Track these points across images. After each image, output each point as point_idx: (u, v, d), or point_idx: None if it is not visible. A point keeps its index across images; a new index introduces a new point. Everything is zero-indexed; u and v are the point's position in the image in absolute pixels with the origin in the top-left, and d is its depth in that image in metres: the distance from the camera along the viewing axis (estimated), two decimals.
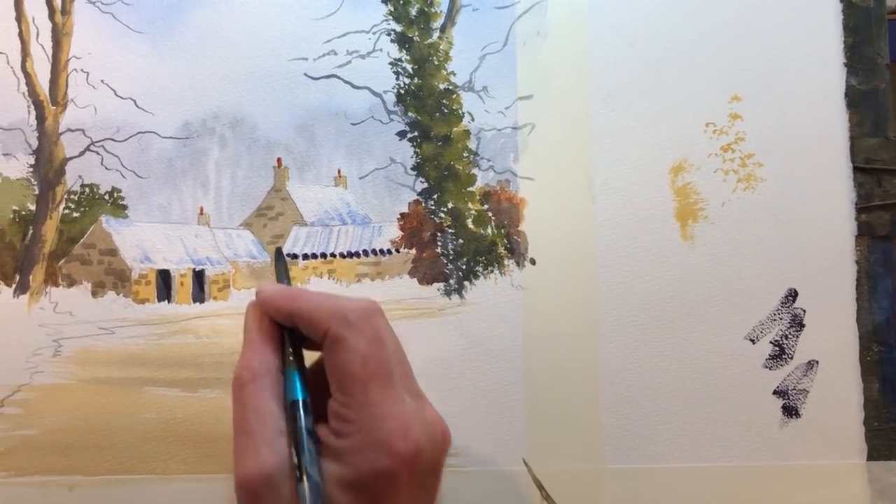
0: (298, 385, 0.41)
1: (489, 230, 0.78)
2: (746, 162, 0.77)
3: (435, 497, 0.40)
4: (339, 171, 0.79)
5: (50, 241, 0.78)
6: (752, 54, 0.78)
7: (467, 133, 0.79)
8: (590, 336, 0.76)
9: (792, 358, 0.76)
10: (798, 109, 0.78)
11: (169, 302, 0.78)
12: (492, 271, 0.77)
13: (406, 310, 0.77)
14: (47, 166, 0.78)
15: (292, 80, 0.78)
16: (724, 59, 0.78)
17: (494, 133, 0.78)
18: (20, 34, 0.78)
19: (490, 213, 0.78)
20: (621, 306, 0.76)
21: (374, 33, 0.79)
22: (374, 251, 0.79)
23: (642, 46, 0.79)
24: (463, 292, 0.77)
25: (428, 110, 0.79)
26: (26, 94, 0.78)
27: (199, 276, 0.80)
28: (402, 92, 0.79)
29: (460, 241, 0.78)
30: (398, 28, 0.79)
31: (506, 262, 0.77)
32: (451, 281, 0.78)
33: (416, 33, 0.80)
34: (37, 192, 0.78)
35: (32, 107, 0.78)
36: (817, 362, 0.76)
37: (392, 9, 0.79)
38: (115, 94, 0.78)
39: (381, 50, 0.79)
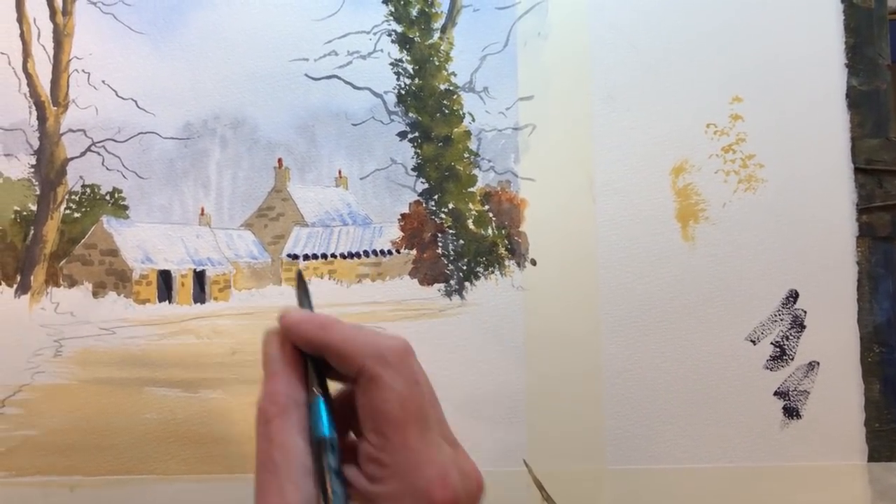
0: (326, 420, 0.39)
1: (490, 231, 0.78)
2: (747, 163, 0.77)
3: None
4: (339, 172, 0.79)
5: (51, 242, 0.78)
6: (752, 55, 0.78)
7: (468, 134, 0.79)
8: (591, 337, 0.76)
9: (793, 359, 0.76)
10: (799, 110, 0.78)
11: (170, 302, 0.78)
12: (492, 272, 0.77)
13: (407, 310, 0.77)
14: (48, 167, 0.78)
15: (293, 81, 0.79)
16: (724, 60, 0.78)
17: (495, 134, 0.78)
18: (21, 35, 0.78)
19: (491, 214, 0.78)
20: (622, 307, 0.76)
21: (374, 34, 0.79)
22: (374, 252, 0.79)
23: (643, 47, 0.79)
24: (464, 293, 0.77)
25: (429, 111, 0.79)
26: (27, 94, 0.78)
27: (199, 277, 0.80)
28: (403, 92, 0.79)
29: (461, 241, 0.78)
30: (399, 29, 0.79)
31: (506, 262, 0.77)
32: (452, 282, 0.78)
33: (417, 34, 0.80)
34: (38, 193, 0.78)
35: (34, 107, 0.78)
36: (818, 363, 0.76)
37: (393, 9, 0.79)
38: (117, 94, 0.78)
39: (381, 50, 0.79)
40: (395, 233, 0.79)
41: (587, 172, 0.78)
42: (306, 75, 0.79)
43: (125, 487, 0.74)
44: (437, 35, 0.80)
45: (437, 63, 0.79)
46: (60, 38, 0.78)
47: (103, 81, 0.78)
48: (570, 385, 0.75)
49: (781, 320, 0.76)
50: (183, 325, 0.77)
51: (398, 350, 0.39)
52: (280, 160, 0.79)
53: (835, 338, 0.76)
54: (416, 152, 0.79)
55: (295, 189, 0.80)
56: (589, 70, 0.78)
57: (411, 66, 0.79)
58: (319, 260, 0.80)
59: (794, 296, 0.76)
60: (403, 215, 0.79)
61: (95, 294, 0.77)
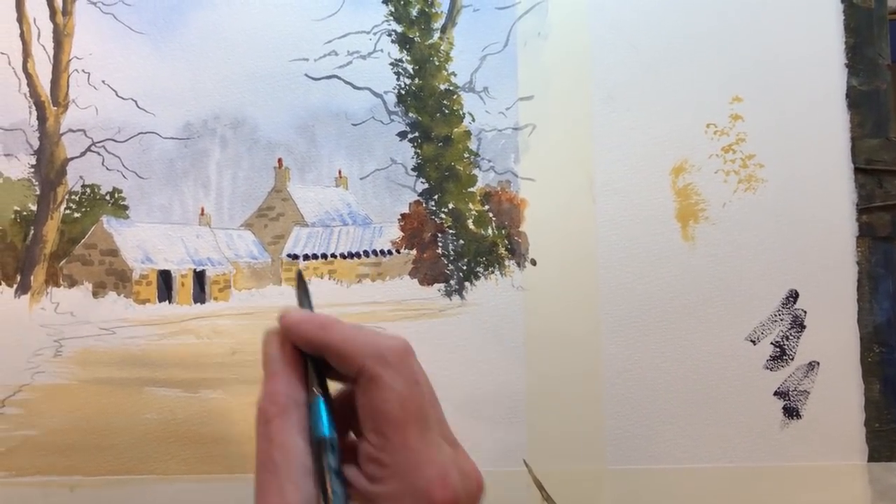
0: (326, 420, 0.39)
1: (490, 231, 0.78)
2: (747, 163, 0.77)
3: None
4: (339, 172, 0.79)
5: (51, 242, 0.78)
6: (752, 55, 0.78)
7: (468, 134, 0.79)
8: (591, 337, 0.76)
9: (793, 359, 0.76)
10: (799, 110, 0.78)
11: (170, 302, 0.78)
12: (492, 272, 0.77)
13: (407, 310, 0.77)
14: (48, 167, 0.78)
15: (293, 81, 0.79)
16: (724, 60, 0.78)
17: (495, 134, 0.78)
18: (21, 35, 0.78)
19: (491, 214, 0.78)
20: (622, 307, 0.76)
21: (374, 34, 0.79)
22: (374, 252, 0.79)
23: (643, 47, 0.79)
24: (464, 293, 0.77)
25: (429, 111, 0.79)
26: (28, 94, 0.78)
27: (199, 277, 0.80)
28: (403, 93, 0.79)
29: (461, 241, 0.78)
30: (399, 29, 0.79)
31: (506, 262, 0.77)
32: (452, 282, 0.78)
33: (417, 34, 0.80)
34: (38, 193, 0.78)
35: (34, 107, 0.78)
36: (818, 363, 0.76)
37: (393, 9, 0.79)
38: (117, 94, 0.78)
39: (381, 50, 0.79)
40: (395, 233, 0.79)
41: (587, 172, 0.77)
42: (306, 75, 0.79)
43: (125, 487, 0.74)
44: (437, 35, 0.80)
45: (437, 63, 0.79)
46: (60, 38, 0.78)
47: (103, 81, 0.78)
48: (570, 385, 0.75)
49: (781, 320, 0.76)
50: (183, 325, 0.77)
51: (398, 350, 0.39)
52: (280, 160, 0.79)
53: (835, 338, 0.76)
54: (416, 152, 0.79)
55: (295, 189, 0.80)
56: (589, 70, 0.78)
57: (411, 66, 0.79)
58: (319, 260, 0.80)
59: (794, 296, 0.76)
60: (403, 215, 0.79)
61: (95, 294, 0.77)
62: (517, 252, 0.77)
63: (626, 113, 0.78)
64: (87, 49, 0.78)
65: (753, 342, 0.76)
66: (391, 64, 0.79)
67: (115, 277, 0.78)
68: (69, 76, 0.78)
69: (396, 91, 0.79)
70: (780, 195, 0.77)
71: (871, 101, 0.77)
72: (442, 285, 0.77)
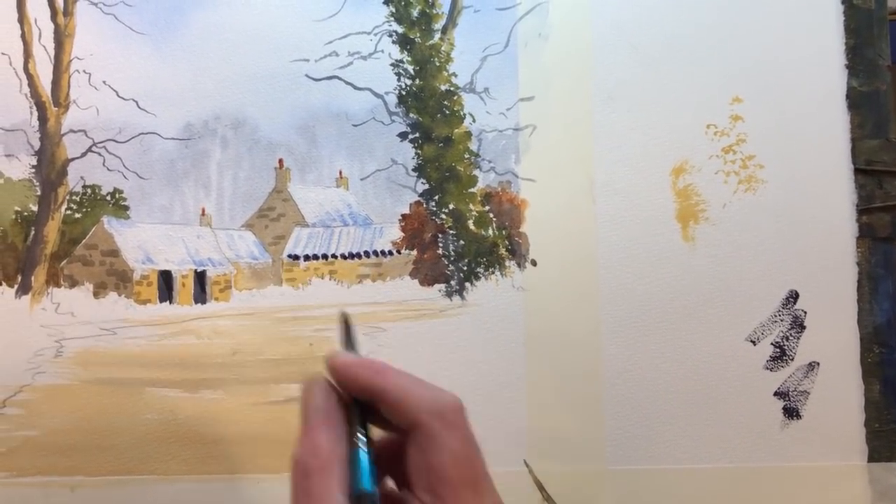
0: (368, 475, 0.37)
1: (490, 231, 0.78)
2: (747, 163, 0.77)
3: None
4: (340, 173, 0.79)
5: (52, 242, 0.78)
6: (752, 55, 0.78)
7: (468, 134, 0.79)
8: (591, 337, 0.76)
9: (793, 359, 0.76)
10: (799, 111, 0.78)
11: (170, 303, 0.78)
12: (493, 273, 0.77)
13: (407, 311, 0.77)
14: (49, 167, 0.78)
15: (294, 82, 0.79)
16: (724, 61, 0.78)
17: (496, 134, 0.79)
18: (22, 35, 0.78)
19: (491, 215, 0.78)
20: (622, 307, 0.76)
21: (375, 34, 0.79)
22: (375, 252, 0.79)
23: (643, 48, 0.79)
24: (464, 293, 0.77)
25: (429, 112, 0.79)
26: (28, 95, 0.78)
27: (200, 277, 0.80)
28: (404, 93, 0.79)
29: (461, 242, 0.79)
30: (399, 29, 0.80)
31: (507, 263, 0.77)
32: (453, 282, 0.78)
33: (418, 34, 0.80)
34: (39, 193, 0.78)
35: (34, 108, 0.78)
36: (818, 364, 0.76)
37: (393, 10, 0.80)
38: (117, 95, 0.78)
39: (382, 51, 0.79)
40: (395, 233, 0.79)
41: (587, 173, 0.78)
42: (307, 76, 0.79)
43: (126, 488, 0.74)
44: (437, 36, 0.80)
45: (437, 64, 0.79)
46: (61, 39, 0.78)
47: (104, 82, 0.78)
48: (570, 385, 0.75)
49: (781, 321, 0.76)
50: (184, 325, 0.77)
51: (455, 407, 0.39)
52: (281, 161, 0.79)
53: (835, 338, 0.76)
54: (416, 153, 0.79)
55: (296, 189, 0.80)
56: (589, 71, 0.78)
57: (412, 67, 0.79)
58: (320, 260, 0.80)
59: (794, 296, 0.76)
60: (404, 216, 0.79)
61: (96, 294, 0.77)
62: (518, 252, 0.77)
63: (626, 114, 0.78)
64: (88, 49, 0.78)
65: (753, 342, 0.76)
66: (392, 65, 0.79)
67: (115, 278, 0.78)
68: (70, 77, 0.78)
69: (397, 92, 0.79)
70: (781, 196, 0.77)
71: (872, 101, 0.77)
72: (442, 286, 0.77)
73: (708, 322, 0.76)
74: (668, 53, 0.78)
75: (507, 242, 0.78)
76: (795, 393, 0.75)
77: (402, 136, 0.79)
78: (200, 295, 0.79)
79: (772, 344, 0.76)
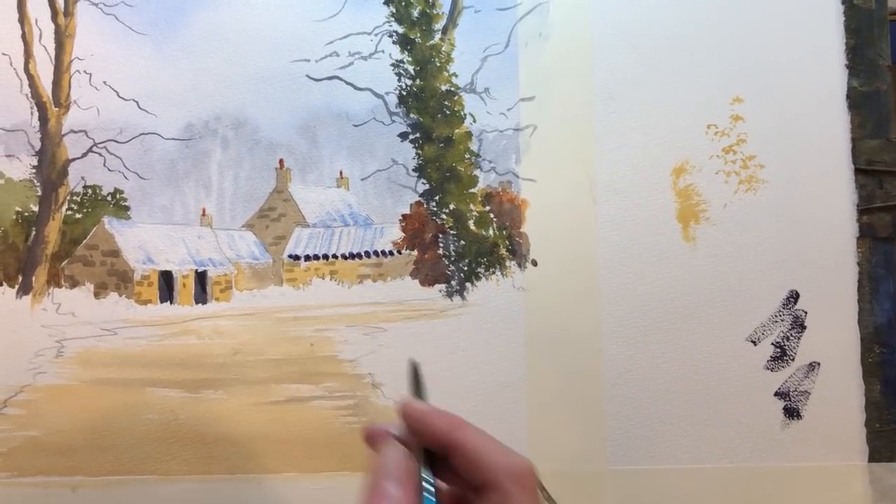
0: None
1: (491, 231, 0.78)
2: (748, 163, 0.77)
3: None
4: (340, 173, 0.79)
5: (53, 243, 0.78)
6: (753, 56, 0.78)
7: (469, 135, 0.79)
8: (591, 337, 0.76)
9: (793, 359, 0.76)
10: (799, 111, 0.78)
11: (171, 303, 0.78)
12: (493, 273, 0.77)
13: (408, 311, 0.77)
14: (50, 167, 0.78)
15: (294, 82, 0.79)
16: (725, 61, 0.78)
17: (496, 134, 0.79)
18: (23, 36, 0.78)
19: (492, 215, 0.78)
20: (623, 307, 0.76)
21: (375, 35, 0.79)
22: (375, 252, 0.79)
23: (644, 48, 0.79)
24: (465, 294, 0.77)
25: (430, 112, 0.79)
26: (29, 95, 0.78)
27: (201, 278, 0.80)
28: (404, 93, 0.79)
29: (462, 242, 0.79)
30: (400, 30, 0.80)
31: (507, 263, 0.77)
32: (453, 282, 0.78)
33: (418, 35, 0.80)
34: (39, 194, 0.78)
35: (35, 108, 0.78)
36: (819, 364, 0.76)
37: (394, 10, 0.80)
38: (118, 95, 0.78)
39: (383, 51, 0.79)
40: (396, 233, 0.79)
41: (588, 173, 0.78)
42: (307, 76, 0.79)
43: (127, 488, 0.74)
44: (438, 36, 0.80)
45: (438, 64, 0.79)
46: (62, 39, 0.78)
47: (105, 82, 0.78)
48: (571, 385, 0.75)
49: (782, 321, 0.76)
50: (184, 325, 0.77)
51: (531, 472, 0.39)
52: (281, 161, 0.79)
53: (835, 338, 0.76)
54: (417, 153, 0.79)
55: (296, 190, 0.80)
56: (590, 71, 0.78)
57: (412, 67, 0.79)
58: (321, 261, 0.80)
59: (794, 296, 0.76)
60: (404, 216, 0.79)
61: (97, 295, 0.77)
62: (518, 253, 0.77)
63: (626, 114, 0.78)
64: (88, 50, 0.78)
65: (754, 343, 0.76)
66: (392, 65, 0.79)
67: (116, 278, 0.78)
68: (71, 77, 0.78)
69: (398, 92, 0.79)
70: (781, 196, 0.77)
71: (872, 101, 0.77)
72: (443, 286, 0.77)
73: (708, 322, 0.76)
74: (669, 53, 0.78)
75: (507, 242, 0.78)
76: (796, 393, 0.75)
77: (403, 136, 0.79)
78: (201, 295, 0.79)
79: (772, 344, 0.76)
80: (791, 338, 0.76)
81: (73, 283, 0.77)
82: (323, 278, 0.79)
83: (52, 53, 0.78)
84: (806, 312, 0.76)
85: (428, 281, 0.78)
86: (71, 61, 0.78)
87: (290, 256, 0.81)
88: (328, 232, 0.81)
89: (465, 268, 0.78)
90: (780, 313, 0.76)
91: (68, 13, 0.79)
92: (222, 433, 0.75)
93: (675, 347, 0.76)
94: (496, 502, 0.38)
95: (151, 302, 0.78)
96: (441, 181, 0.79)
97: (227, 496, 0.74)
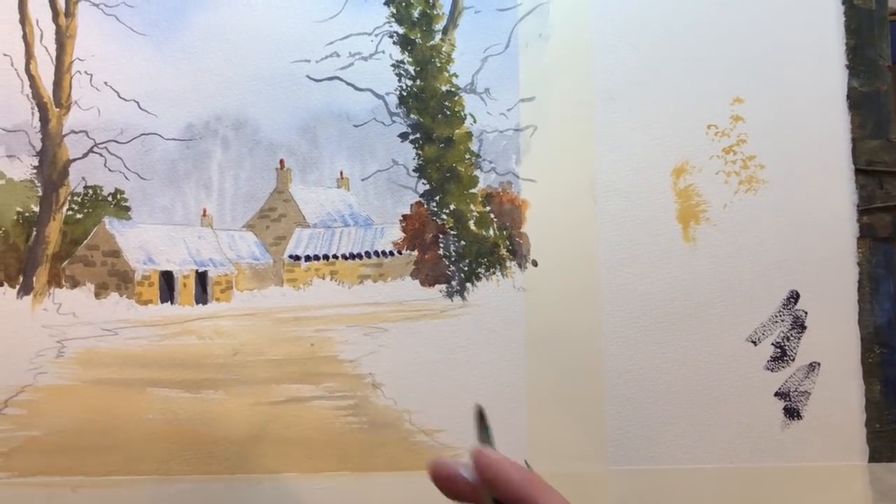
0: None
1: (491, 232, 0.78)
2: (748, 164, 0.77)
3: None
4: (341, 173, 0.79)
5: (53, 243, 0.78)
6: (753, 56, 0.78)
7: (469, 135, 0.79)
8: (591, 337, 0.76)
9: (793, 360, 0.76)
10: (799, 111, 0.78)
11: (172, 303, 0.78)
12: (494, 273, 0.77)
13: (408, 311, 0.77)
14: (51, 168, 0.78)
15: (295, 82, 0.79)
16: (725, 61, 0.78)
17: (496, 135, 0.79)
18: (24, 36, 0.78)
19: (492, 215, 0.79)
20: (623, 308, 0.76)
21: (376, 35, 0.79)
22: (376, 253, 0.79)
23: (644, 48, 0.79)
24: (465, 294, 0.77)
25: (430, 112, 0.79)
26: (30, 96, 0.78)
27: (201, 278, 0.80)
28: (405, 94, 0.79)
29: (462, 242, 0.79)
30: (400, 30, 0.80)
31: (508, 263, 0.77)
32: (454, 282, 0.78)
33: (419, 35, 0.80)
34: (40, 194, 0.78)
35: (36, 109, 0.78)
36: (819, 364, 0.76)
37: (394, 11, 0.80)
38: (119, 96, 0.78)
39: (383, 52, 0.79)
40: (396, 234, 0.79)
41: (588, 173, 0.78)
42: (308, 77, 0.79)
43: (127, 488, 0.74)
44: (438, 37, 0.80)
45: (438, 64, 0.79)
46: (63, 40, 0.79)
47: (105, 83, 0.78)
48: (571, 385, 0.75)
49: (782, 321, 0.76)
50: (185, 325, 0.77)
51: None
52: (282, 161, 0.79)
53: (835, 339, 0.76)
54: (417, 153, 0.79)
55: (297, 190, 0.80)
56: (590, 71, 0.79)
57: (413, 68, 0.79)
58: (321, 261, 0.80)
59: (794, 297, 0.76)
60: (405, 216, 0.79)
61: (98, 295, 0.77)
62: (518, 253, 0.77)
63: (627, 114, 0.78)
64: (89, 51, 0.78)
65: (754, 343, 0.76)
66: (393, 65, 0.79)
67: (117, 278, 0.78)
68: (71, 78, 0.78)
69: (398, 92, 0.79)
70: (781, 196, 0.77)
71: (872, 102, 0.77)
72: (443, 286, 0.78)
73: (709, 322, 0.76)
74: (669, 53, 0.79)
75: (507, 243, 0.78)
76: (796, 393, 0.75)
77: (403, 136, 0.79)
78: (202, 295, 0.79)
79: (772, 344, 0.76)
80: (791, 338, 0.76)
81: (74, 284, 0.77)
82: (323, 279, 0.79)
83: (53, 54, 0.78)
84: (806, 313, 0.76)
85: (428, 281, 0.78)
86: (72, 62, 0.79)
87: (291, 257, 0.81)
88: (328, 232, 0.81)
89: (466, 268, 0.78)
90: (781, 313, 0.76)
91: (69, 14, 0.79)
92: (222, 433, 0.75)
93: (675, 347, 0.76)
94: None
95: (152, 302, 0.78)
96: (441, 181, 0.79)
97: (227, 496, 0.74)
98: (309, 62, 0.79)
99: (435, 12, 0.80)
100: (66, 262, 0.78)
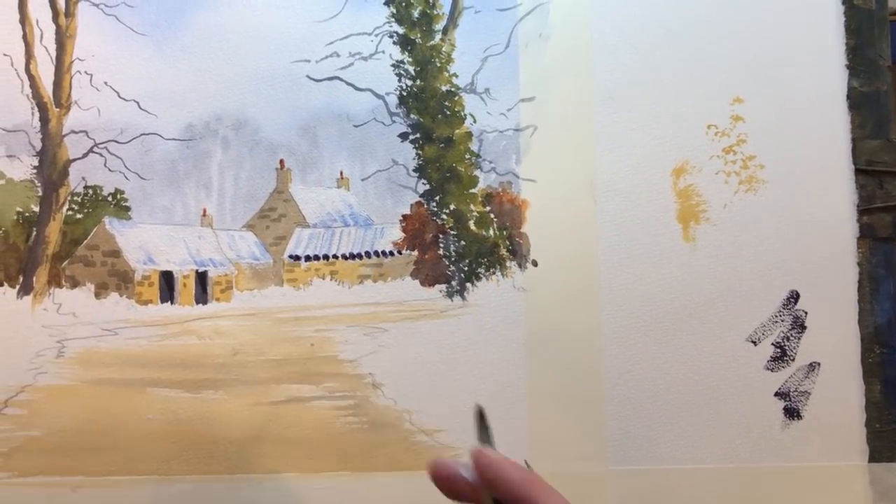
0: None
1: (491, 232, 0.78)
2: (748, 164, 0.77)
3: None
4: (341, 173, 0.79)
5: (53, 243, 0.78)
6: (753, 56, 0.78)
7: (469, 135, 0.79)
8: (592, 337, 0.76)
9: (793, 360, 0.76)
10: (799, 111, 0.78)
11: (172, 303, 0.78)
12: (494, 273, 0.77)
13: (408, 311, 0.77)
14: (51, 168, 0.78)
15: (295, 82, 0.79)
16: (725, 61, 0.78)
17: (496, 135, 0.79)
18: (24, 36, 0.78)
19: (492, 215, 0.79)
20: (623, 308, 0.76)
21: (376, 35, 0.79)
22: (376, 253, 0.79)
23: (644, 48, 0.79)
24: (465, 294, 0.77)
25: (430, 112, 0.79)
26: (30, 96, 0.78)
27: (201, 278, 0.80)
28: (405, 94, 0.79)
29: (462, 242, 0.79)
30: (400, 30, 0.80)
31: (508, 263, 0.77)
32: (454, 283, 0.78)
33: (419, 35, 0.80)
34: (40, 194, 0.78)
35: (36, 109, 0.78)
36: (819, 364, 0.76)
37: (394, 11, 0.80)
38: (119, 96, 0.78)
39: (383, 52, 0.79)
40: (396, 234, 0.79)
41: (588, 173, 0.78)
42: (308, 77, 0.79)
43: (127, 488, 0.74)
44: (438, 36, 0.80)
45: (438, 64, 0.79)
46: (63, 40, 0.79)
47: (105, 83, 0.78)
48: (571, 385, 0.75)
49: (782, 321, 0.76)
50: (185, 325, 0.77)
51: None
52: (282, 161, 0.79)
53: (835, 339, 0.76)
54: (417, 153, 0.79)
55: (297, 190, 0.80)
56: (590, 71, 0.79)
57: (413, 68, 0.79)
58: (321, 261, 0.80)
59: (794, 297, 0.76)
60: (405, 216, 0.79)
61: (98, 295, 0.77)
62: (518, 253, 0.77)
63: (627, 114, 0.78)
64: (89, 50, 0.78)
65: (754, 343, 0.76)
66: (393, 65, 0.79)
67: (117, 278, 0.78)
68: (71, 78, 0.78)
69: (398, 92, 0.79)
70: (781, 196, 0.77)
71: (872, 102, 0.77)
72: (443, 286, 0.78)
73: (709, 322, 0.76)
74: (669, 53, 0.79)
75: (507, 243, 0.78)
76: (796, 393, 0.75)
77: (403, 136, 0.79)
78: (202, 295, 0.79)
79: (772, 344, 0.76)
80: (791, 338, 0.76)
81: (74, 284, 0.77)
82: (323, 279, 0.79)
83: (53, 54, 0.78)
84: (806, 313, 0.76)
85: (428, 281, 0.78)
86: (72, 62, 0.79)
87: (291, 257, 0.81)
88: (328, 232, 0.81)
89: (466, 268, 0.78)
90: (781, 313, 0.76)
91: (69, 14, 0.79)
92: (222, 433, 0.75)
93: (675, 347, 0.76)
94: None
95: (152, 302, 0.78)
96: (441, 181, 0.79)
97: (227, 496, 0.74)
98: (309, 62, 0.79)
99: (435, 12, 0.80)
100: (66, 262, 0.78)
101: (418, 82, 0.79)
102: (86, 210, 0.78)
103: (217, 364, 0.76)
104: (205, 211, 0.78)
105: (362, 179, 0.79)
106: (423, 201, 0.79)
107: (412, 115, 0.79)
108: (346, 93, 0.79)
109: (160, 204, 0.78)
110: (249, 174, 0.79)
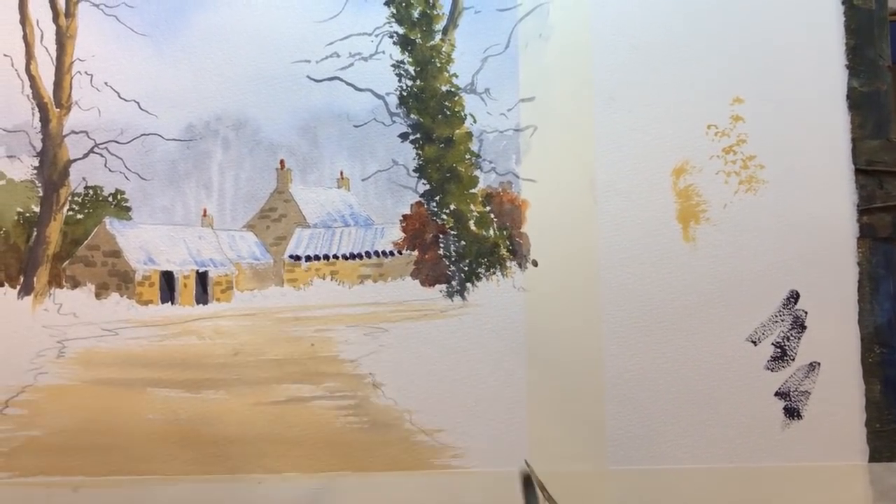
0: None
1: (491, 232, 0.78)
2: (748, 164, 0.77)
3: None
4: (341, 173, 0.79)
5: (54, 243, 0.78)
6: (753, 56, 0.78)
7: (469, 135, 0.79)
8: (592, 337, 0.76)
9: (793, 360, 0.76)
10: (799, 111, 0.78)
11: (172, 303, 0.78)
12: (494, 273, 0.77)
13: (408, 311, 0.77)
14: (51, 168, 0.78)
15: (295, 83, 0.79)
16: (725, 62, 0.78)
17: (496, 135, 0.79)
18: (24, 37, 0.78)
19: (492, 215, 0.79)
20: (623, 308, 0.76)
21: (376, 36, 0.79)
22: (376, 253, 0.80)
23: (644, 49, 0.79)
24: (465, 294, 0.77)
25: (430, 112, 0.79)
26: (30, 96, 0.78)
27: (202, 278, 0.80)
28: (405, 94, 0.79)
29: (462, 242, 0.79)
30: (400, 30, 0.80)
31: (508, 263, 0.77)
32: (454, 283, 0.78)
33: (419, 35, 0.80)
34: (41, 194, 0.78)
35: (36, 109, 0.78)
36: (819, 364, 0.76)
37: (394, 11, 0.80)
38: (119, 96, 0.78)
39: (383, 52, 0.79)
40: (396, 234, 0.79)
41: (588, 173, 0.78)
42: (308, 77, 0.79)
43: (127, 488, 0.74)
44: (438, 37, 0.80)
45: (438, 65, 0.79)
46: (63, 41, 0.79)
47: (106, 83, 0.78)
48: (571, 385, 0.75)
49: (782, 321, 0.76)
50: (185, 325, 0.77)
51: None
52: (282, 161, 0.79)
53: (835, 338, 0.76)
54: (417, 154, 0.79)
55: (297, 190, 0.80)
56: (590, 71, 0.79)
57: (413, 68, 0.79)
58: (321, 261, 0.80)
59: (794, 296, 0.76)
60: (405, 216, 0.79)
61: (98, 295, 0.77)
62: (518, 253, 0.77)
63: (627, 114, 0.78)
64: (89, 51, 0.79)
65: (754, 343, 0.76)
66: (393, 66, 0.79)
67: (117, 279, 0.78)
68: (72, 78, 0.78)
69: (398, 92, 0.79)
70: (781, 196, 0.77)
71: (872, 102, 0.77)
72: (443, 286, 0.78)
73: (709, 322, 0.76)
74: (669, 54, 0.79)
75: (507, 243, 0.78)
76: (796, 393, 0.75)
77: (403, 136, 0.79)
78: (202, 295, 0.79)
79: (773, 344, 0.76)
80: (791, 338, 0.76)
81: (75, 284, 0.77)
82: (323, 279, 0.79)
83: (54, 55, 0.78)
84: (806, 312, 0.76)
85: (428, 281, 0.78)
86: (72, 62, 0.79)
87: (291, 257, 0.81)
88: (329, 232, 0.81)
89: (466, 268, 0.78)
90: (781, 313, 0.76)
91: (69, 14, 0.79)
92: (223, 433, 0.75)
93: (675, 347, 0.76)
94: None
95: (152, 302, 0.78)
96: (441, 182, 0.79)
97: (227, 496, 0.74)
98: (309, 62, 0.79)
99: (435, 12, 0.80)
100: (67, 262, 0.78)
101: (418, 82, 0.79)
102: (86, 210, 0.78)
103: (217, 364, 0.76)
104: (205, 211, 0.79)
105: (362, 179, 0.79)
106: (423, 201, 0.79)
107: (412, 116, 0.79)
108: (346, 93, 0.79)
109: (160, 204, 0.78)
110: (250, 174, 0.79)
